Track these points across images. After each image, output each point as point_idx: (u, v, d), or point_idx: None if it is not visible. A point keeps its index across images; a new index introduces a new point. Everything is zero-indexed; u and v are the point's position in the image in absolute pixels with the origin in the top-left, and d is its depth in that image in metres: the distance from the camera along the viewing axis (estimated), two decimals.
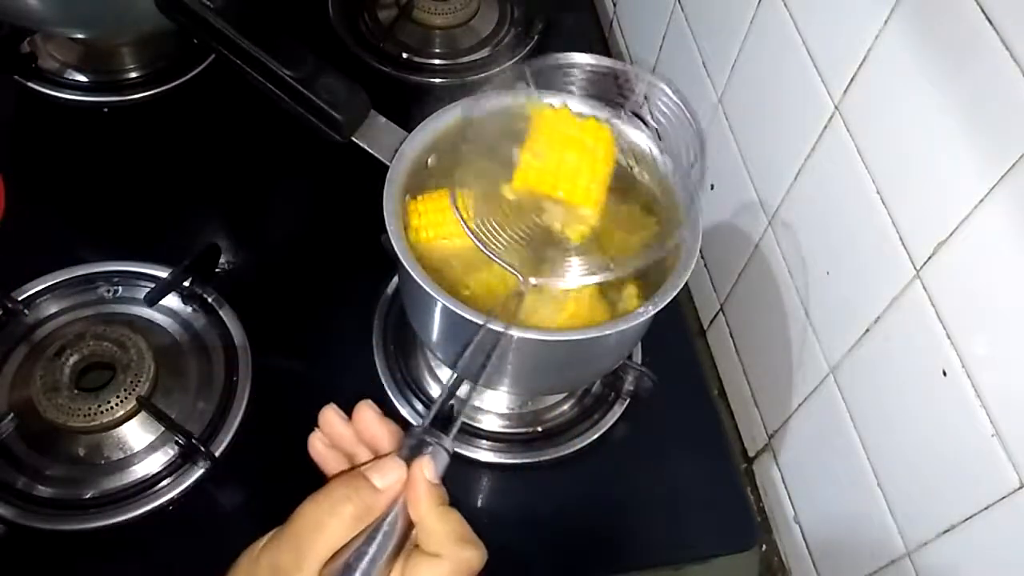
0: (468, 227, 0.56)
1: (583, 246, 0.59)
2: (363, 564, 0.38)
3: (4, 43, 0.89)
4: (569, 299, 0.58)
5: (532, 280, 0.54)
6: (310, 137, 0.61)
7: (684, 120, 0.56)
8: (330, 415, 0.44)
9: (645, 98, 0.60)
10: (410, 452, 0.42)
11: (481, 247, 0.55)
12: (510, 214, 0.58)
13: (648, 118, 0.59)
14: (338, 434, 0.44)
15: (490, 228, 0.57)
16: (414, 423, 0.72)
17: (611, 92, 0.60)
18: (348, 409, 0.45)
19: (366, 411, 0.44)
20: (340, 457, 0.44)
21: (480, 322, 0.52)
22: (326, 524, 0.39)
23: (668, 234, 0.57)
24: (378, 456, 0.43)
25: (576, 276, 0.55)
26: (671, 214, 0.60)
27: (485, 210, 0.57)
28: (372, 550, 0.39)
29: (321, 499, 0.40)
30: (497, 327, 0.51)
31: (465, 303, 0.54)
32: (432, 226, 0.60)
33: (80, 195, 0.85)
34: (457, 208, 0.56)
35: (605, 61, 0.58)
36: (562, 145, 0.57)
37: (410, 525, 0.41)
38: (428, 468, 0.41)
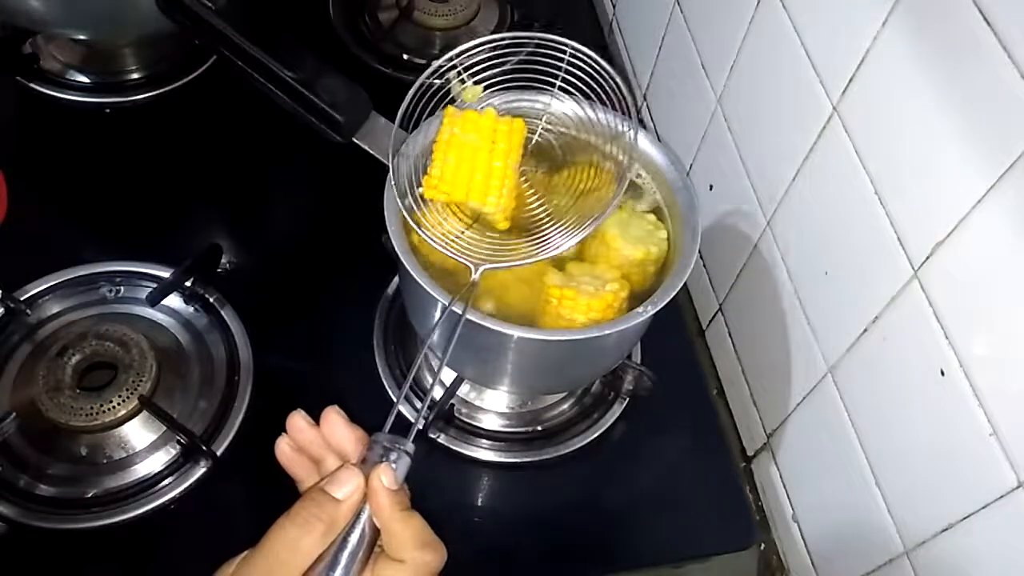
0: (417, 225, 0.58)
1: (524, 227, 0.60)
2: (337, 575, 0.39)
3: (6, 44, 0.89)
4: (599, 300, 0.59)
5: (484, 266, 0.56)
6: (311, 138, 0.61)
7: (605, 76, 0.58)
8: (297, 420, 0.44)
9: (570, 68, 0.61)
10: (373, 459, 0.42)
11: (432, 242, 0.57)
12: (448, 213, 0.60)
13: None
14: (306, 439, 0.44)
15: (440, 229, 0.58)
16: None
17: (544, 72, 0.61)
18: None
19: (333, 416, 0.44)
20: (307, 462, 0.44)
21: (482, 323, 0.53)
22: (299, 543, 0.39)
23: (613, 191, 0.58)
24: (341, 465, 0.43)
25: (522, 255, 0.57)
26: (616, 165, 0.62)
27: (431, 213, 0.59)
28: (344, 559, 0.40)
29: (291, 519, 0.40)
30: (456, 309, 0.53)
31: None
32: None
33: (82, 195, 0.85)
34: (408, 208, 0.58)
35: (518, 35, 0.60)
36: (468, 153, 0.59)
37: (377, 530, 0.41)
38: (386, 475, 0.41)
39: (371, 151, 0.61)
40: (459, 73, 0.61)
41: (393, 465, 0.42)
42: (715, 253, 0.84)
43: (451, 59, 0.61)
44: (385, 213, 0.57)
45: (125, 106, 0.90)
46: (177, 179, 0.87)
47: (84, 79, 0.91)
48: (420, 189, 0.59)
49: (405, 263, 0.56)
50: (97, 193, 0.85)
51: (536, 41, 0.60)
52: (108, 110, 0.90)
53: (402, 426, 0.44)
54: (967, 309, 0.52)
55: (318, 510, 0.40)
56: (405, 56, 0.97)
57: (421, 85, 0.60)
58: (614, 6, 1.05)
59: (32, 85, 0.89)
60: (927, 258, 0.54)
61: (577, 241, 0.57)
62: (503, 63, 0.60)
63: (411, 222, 0.58)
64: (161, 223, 0.84)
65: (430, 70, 0.60)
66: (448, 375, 0.74)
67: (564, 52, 0.60)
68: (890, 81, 0.56)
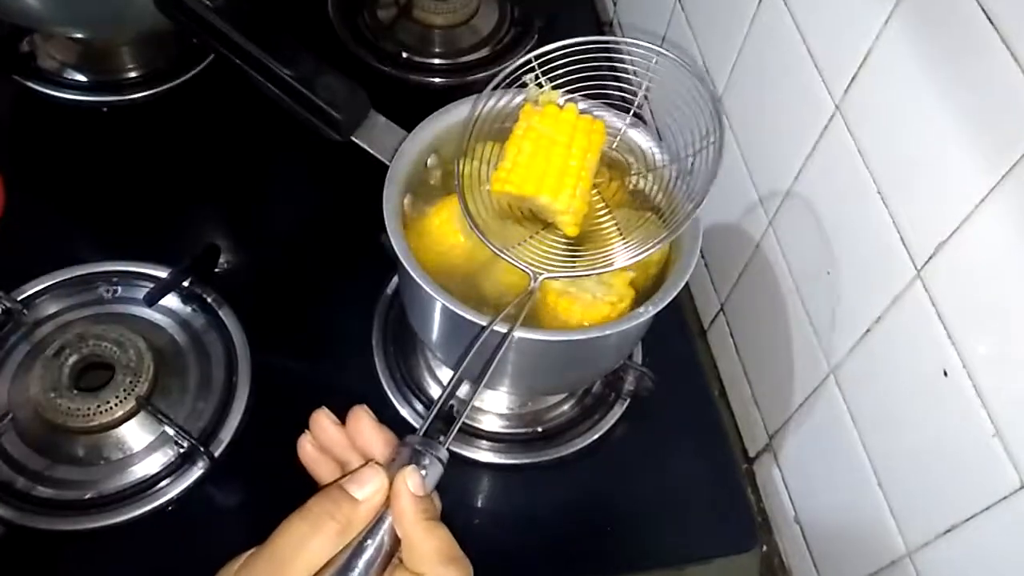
0: (476, 227, 0.56)
1: (583, 237, 0.58)
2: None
3: (3, 42, 0.89)
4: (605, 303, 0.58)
5: (542, 275, 0.54)
6: (310, 137, 0.61)
7: (695, 92, 0.55)
8: (322, 419, 0.42)
9: (646, 97, 0.60)
10: (401, 462, 0.39)
11: (490, 246, 0.55)
12: (506, 212, 0.58)
13: (649, 106, 0.59)
14: (330, 439, 0.42)
15: (492, 227, 0.56)
16: (415, 425, 0.72)
17: (612, 92, 0.60)
18: (346, 411, 0.45)
19: (361, 416, 0.41)
20: (331, 463, 0.42)
21: (482, 323, 0.52)
22: (309, 541, 0.36)
23: (672, 223, 0.56)
24: (365, 463, 0.41)
25: (581, 269, 0.55)
26: (670, 209, 0.60)
27: (482, 209, 0.57)
28: (359, 566, 0.37)
29: (303, 515, 0.37)
30: (499, 328, 0.51)
31: (473, 303, 0.54)
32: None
33: (79, 195, 0.85)
34: (468, 210, 0.56)
35: (603, 39, 0.57)
36: (544, 145, 0.56)
37: (397, 539, 0.38)
38: (412, 479, 0.38)
39: (370, 150, 0.60)
40: (536, 76, 0.59)
41: (423, 471, 0.39)
42: (717, 253, 0.83)
43: (528, 61, 0.58)
44: (384, 212, 0.57)
45: (122, 105, 0.90)
46: (175, 178, 0.87)
47: (81, 77, 0.90)
48: (486, 186, 0.57)
49: (404, 263, 0.55)
50: (94, 192, 0.85)
51: (620, 45, 0.58)
52: (105, 109, 0.90)
53: (406, 431, 0.43)
54: (970, 309, 0.52)
55: (333, 508, 0.37)
56: (404, 54, 0.97)
57: (496, 87, 0.58)
58: (615, 4, 1.04)
59: (29, 84, 0.89)
60: (930, 257, 0.54)
61: (638, 260, 0.54)
62: (582, 68, 0.57)
63: (469, 223, 0.56)
64: (159, 223, 0.84)
65: (507, 71, 0.57)
66: (448, 376, 0.74)
67: (649, 62, 0.56)
68: (893, 80, 0.56)
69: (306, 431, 0.42)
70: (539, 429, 0.74)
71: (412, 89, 0.96)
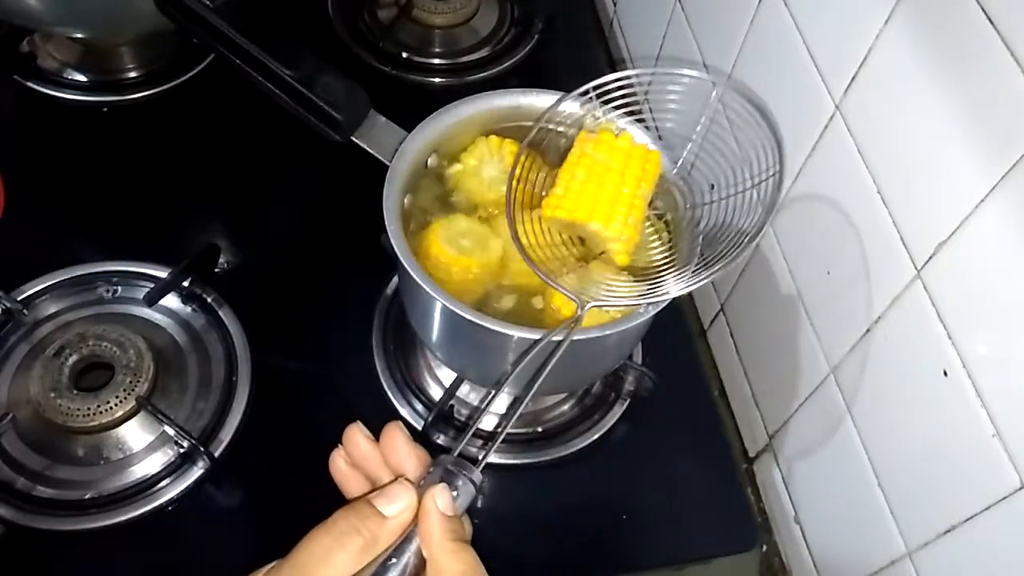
0: (526, 253, 0.55)
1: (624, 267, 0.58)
2: None
3: (3, 42, 0.89)
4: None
5: (589, 304, 0.53)
6: (310, 137, 0.61)
7: (758, 128, 0.55)
8: (355, 434, 0.40)
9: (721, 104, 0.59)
10: (432, 481, 0.39)
11: (540, 274, 0.55)
12: (551, 237, 0.58)
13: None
14: (362, 455, 0.40)
15: (539, 251, 0.56)
16: (416, 425, 0.72)
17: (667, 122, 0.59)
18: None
19: (396, 433, 0.40)
20: (361, 478, 0.41)
21: (483, 323, 0.53)
22: (333, 556, 0.35)
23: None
24: (395, 479, 0.40)
25: (629, 299, 0.55)
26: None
27: (530, 233, 0.57)
28: None
29: (327, 529, 0.36)
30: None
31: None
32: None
33: (79, 195, 0.85)
34: (516, 233, 0.56)
35: (679, 70, 0.57)
36: (598, 172, 0.56)
37: (423, 560, 0.37)
38: (442, 498, 0.37)
39: (370, 150, 0.60)
40: (593, 107, 0.59)
41: (454, 492, 0.38)
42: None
43: (587, 91, 0.58)
44: (384, 212, 0.57)
45: (123, 105, 0.90)
46: (175, 178, 0.87)
47: (81, 77, 0.90)
48: (537, 211, 0.57)
49: (405, 263, 0.55)
50: (94, 192, 0.85)
51: (681, 76, 0.57)
52: (105, 109, 0.90)
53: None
54: (970, 309, 0.52)
55: (359, 523, 0.36)
56: (404, 55, 0.97)
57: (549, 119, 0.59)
58: (615, 4, 1.04)
59: (29, 84, 0.89)
60: (930, 258, 0.54)
61: (688, 291, 0.54)
62: (639, 99, 0.57)
63: (517, 249, 0.55)
64: (159, 223, 0.84)
65: (565, 101, 0.58)
66: (448, 376, 0.74)
67: (713, 93, 0.56)
68: (893, 80, 0.56)
69: (339, 446, 0.41)
70: (539, 429, 0.74)
71: (412, 89, 0.96)
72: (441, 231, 0.59)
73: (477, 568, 0.37)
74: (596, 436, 0.74)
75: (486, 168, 0.63)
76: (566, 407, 0.75)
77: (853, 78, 0.59)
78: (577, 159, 0.57)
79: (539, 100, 0.63)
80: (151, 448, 0.69)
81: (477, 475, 0.39)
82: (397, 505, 0.37)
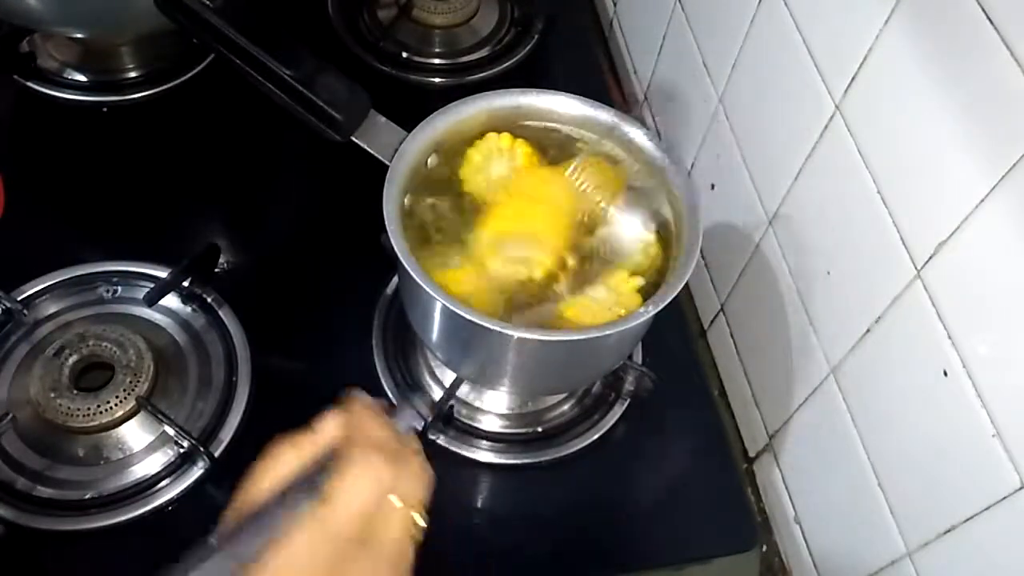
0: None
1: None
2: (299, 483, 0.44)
3: (3, 42, 0.89)
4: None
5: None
6: (310, 137, 0.61)
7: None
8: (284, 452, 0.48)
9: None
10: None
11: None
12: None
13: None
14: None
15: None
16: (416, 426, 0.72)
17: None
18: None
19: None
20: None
21: (483, 324, 0.53)
22: (276, 455, 0.45)
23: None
24: None
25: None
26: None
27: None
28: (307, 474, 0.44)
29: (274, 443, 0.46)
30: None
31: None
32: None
33: (79, 195, 0.85)
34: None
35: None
36: (525, 208, 0.60)
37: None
38: (361, 395, 0.47)
39: (370, 150, 0.60)
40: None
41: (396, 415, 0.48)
42: (717, 253, 0.83)
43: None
44: (384, 212, 0.57)
45: (123, 105, 0.90)
46: (175, 178, 0.87)
47: (81, 77, 0.90)
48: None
49: (404, 263, 0.55)
50: (94, 192, 0.85)
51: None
52: (105, 109, 0.90)
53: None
54: (970, 309, 0.52)
55: (292, 437, 0.46)
56: (404, 55, 0.97)
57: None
58: (615, 4, 1.04)
59: (29, 84, 0.89)
60: (930, 257, 0.54)
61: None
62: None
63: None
64: (159, 223, 0.84)
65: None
66: (448, 376, 0.74)
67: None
68: (893, 80, 0.56)
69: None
70: (539, 429, 0.74)
71: (412, 89, 0.96)
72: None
73: (380, 469, 0.44)
74: (596, 436, 0.74)
75: (494, 165, 0.63)
76: (566, 407, 0.75)
77: (853, 78, 0.59)
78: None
79: (539, 100, 0.63)
80: (151, 448, 0.69)
81: (420, 418, 0.49)
82: (327, 422, 0.46)
